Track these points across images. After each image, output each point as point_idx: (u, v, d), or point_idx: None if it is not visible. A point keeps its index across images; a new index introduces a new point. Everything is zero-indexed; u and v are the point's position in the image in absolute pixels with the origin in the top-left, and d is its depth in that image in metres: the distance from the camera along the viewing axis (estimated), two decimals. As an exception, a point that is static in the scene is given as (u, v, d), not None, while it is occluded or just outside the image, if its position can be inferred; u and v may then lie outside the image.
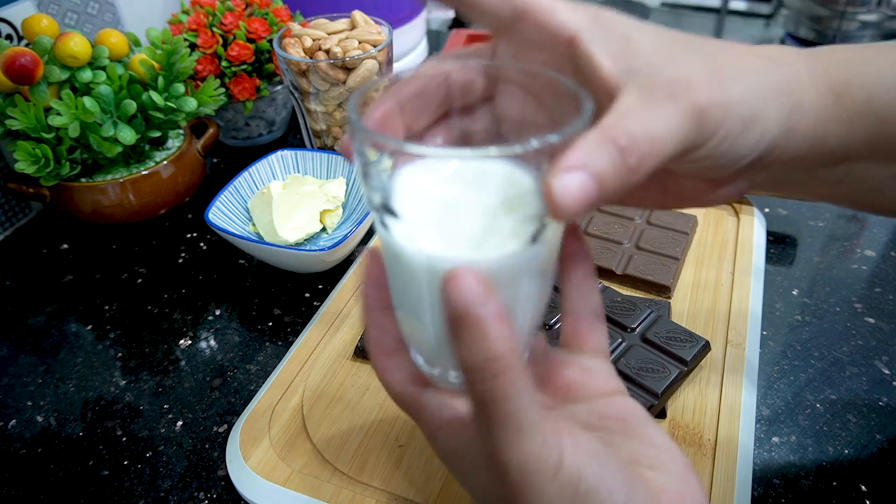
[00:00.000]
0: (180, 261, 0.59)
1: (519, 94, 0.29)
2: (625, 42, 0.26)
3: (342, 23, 0.64)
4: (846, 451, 0.41)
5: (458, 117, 0.31)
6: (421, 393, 0.29)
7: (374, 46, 0.60)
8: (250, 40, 0.68)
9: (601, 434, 0.28)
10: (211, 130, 0.65)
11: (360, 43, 0.60)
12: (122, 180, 0.57)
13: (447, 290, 0.22)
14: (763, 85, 0.26)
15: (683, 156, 0.26)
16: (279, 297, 0.55)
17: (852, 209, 0.34)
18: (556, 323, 0.46)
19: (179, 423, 0.45)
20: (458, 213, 0.25)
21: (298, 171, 0.61)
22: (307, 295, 0.55)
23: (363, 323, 0.30)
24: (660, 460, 0.27)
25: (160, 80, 0.57)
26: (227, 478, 0.40)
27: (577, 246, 0.30)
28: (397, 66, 0.86)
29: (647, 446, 0.27)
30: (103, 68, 0.56)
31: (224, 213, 0.55)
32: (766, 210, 0.61)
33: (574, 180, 0.22)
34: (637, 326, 0.45)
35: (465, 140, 0.31)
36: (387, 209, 0.25)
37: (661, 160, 0.24)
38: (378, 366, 0.30)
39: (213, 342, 0.51)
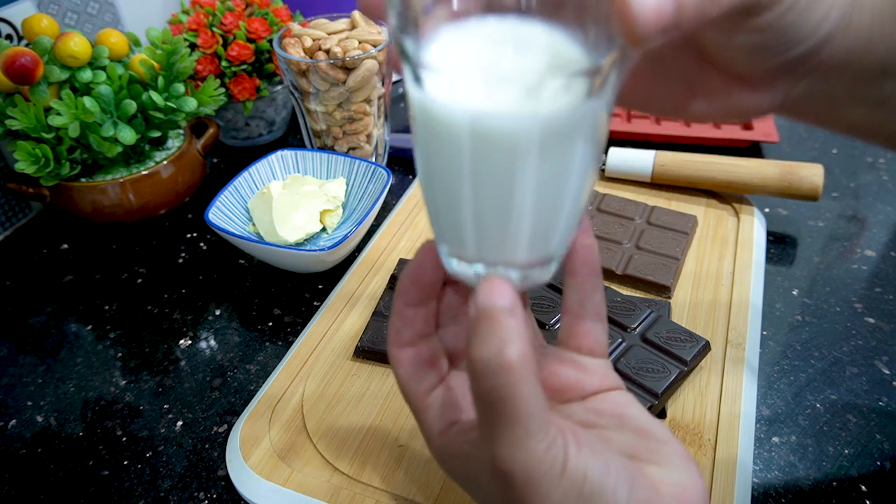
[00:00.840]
0: (180, 261, 0.59)
1: None
2: None
3: (342, 23, 0.64)
4: (846, 451, 0.41)
5: None
6: (428, 393, 0.29)
7: (374, 46, 0.60)
8: (250, 40, 0.68)
9: (599, 431, 0.27)
10: (211, 130, 0.65)
11: (360, 43, 0.60)
12: (122, 180, 0.57)
13: (478, 291, 0.23)
14: None
15: (747, 16, 0.24)
16: (279, 297, 0.55)
17: (883, 146, 0.32)
18: (555, 324, 0.46)
19: (179, 423, 0.45)
20: (504, 65, 0.22)
21: (298, 171, 0.61)
22: (307, 295, 0.55)
23: (392, 311, 0.29)
24: (659, 453, 0.27)
25: (160, 80, 0.57)
26: (227, 478, 0.40)
27: (585, 242, 0.29)
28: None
29: (645, 440, 0.27)
30: (103, 68, 0.56)
31: (224, 213, 0.55)
32: (766, 210, 0.61)
33: None
34: (637, 326, 0.45)
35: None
36: (422, 60, 0.22)
37: (733, 7, 0.22)
38: (392, 355, 0.29)
39: (213, 342, 0.51)
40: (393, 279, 0.52)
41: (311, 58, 0.60)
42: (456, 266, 0.27)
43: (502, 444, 0.23)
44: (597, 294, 0.29)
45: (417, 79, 0.22)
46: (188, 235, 0.62)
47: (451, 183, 0.24)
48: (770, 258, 0.56)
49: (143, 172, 0.58)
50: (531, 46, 0.22)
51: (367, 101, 0.62)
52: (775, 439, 0.42)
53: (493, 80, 0.22)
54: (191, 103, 0.58)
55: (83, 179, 0.58)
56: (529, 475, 0.23)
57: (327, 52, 0.60)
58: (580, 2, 0.21)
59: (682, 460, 0.27)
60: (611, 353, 0.43)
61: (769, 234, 0.58)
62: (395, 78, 0.86)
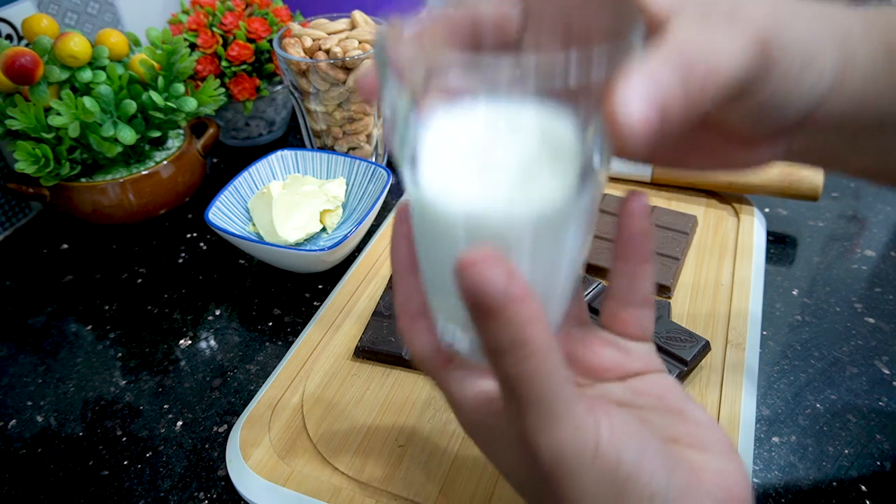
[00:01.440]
0: (180, 261, 0.59)
1: (556, 27, 0.26)
2: None
3: (342, 23, 0.64)
4: (846, 451, 0.41)
5: None
6: (447, 364, 0.27)
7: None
8: (250, 40, 0.67)
9: (637, 412, 0.26)
10: (211, 130, 0.65)
11: (360, 43, 0.60)
12: (122, 180, 0.57)
13: (461, 279, 0.20)
14: (821, 29, 0.24)
15: (741, 92, 0.23)
16: (279, 297, 0.55)
17: (894, 186, 0.32)
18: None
19: (179, 423, 0.45)
20: (495, 164, 0.22)
21: (298, 171, 0.61)
22: (307, 295, 0.55)
23: (394, 283, 0.28)
24: (701, 438, 0.25)
25: (160, 80, 0.57)
26: (227, 478, 0.40)
27: (637, 227, 0.27)
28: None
29: (686, 423, 0.26)
30: (103, 68, 0.56)
31: (224, 213, 0.55)
32: (766, 210, 0.61)
33: (638, 105, 0.19)
34: (637, 326, 0.45)
35: None
36: (416, 161, 0.23)
37: (724, 89, 0.22)
38: (404, 328, 0.28)
39: (213, 342, 0.51)
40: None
41: (311, 58, 0.60)
42: (450, 338, 0.27)
43: (528, 423, 0.22)
44: (647, 281, 0.28)
45: (413, 178, 0.23)
46: (188, 235, 0.62)
47: (445, 270, 0.24)
48: (770, 258, 0.56)
49: (143, 172, 0.58)
50: (524, 137, 0.22)
51: (367, 100, 0.62)
52: (775, 439, 0.42)
53: (483, 187, 0.22)
54: (191, 103, 0.58)
55: (83, 179, 0.58)
56: (559, 457, 0.22)
57: (327, 52, 0.60)
58: (576, 88, 0.20)
59: (726, 447, 0.25)
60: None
61: (769, 234, 0.58)
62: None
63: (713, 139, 0.28)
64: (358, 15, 0.64)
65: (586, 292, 0.49)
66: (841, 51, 0.25)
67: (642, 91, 0.19)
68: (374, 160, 0.66)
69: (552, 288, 0.26)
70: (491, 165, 0.22)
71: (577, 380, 0.28)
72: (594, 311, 0.46)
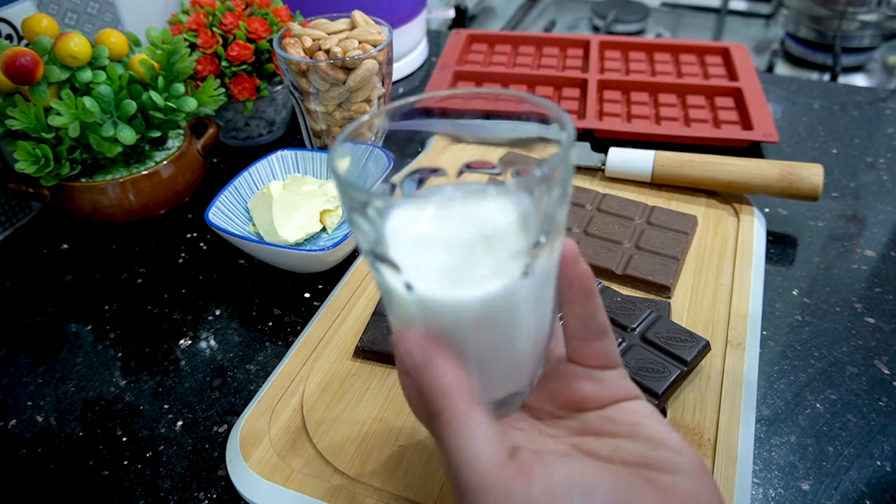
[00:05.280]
0: (180, 261, 0.59)
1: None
2: None
3: (342, 23, 0.64)
4: (846, 451, 0.41)
5: None
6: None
7: (374, 46, 0.60)
8: (250, 40, 0.67)
9: (610, 440, 0.27)
10: (211, 130, 0.65)
11: (360, 43, 0.60)
12: (122, 180, 0.57)
13: (397, 352, 0.26)
14: None
15: None
16: (279, 297, 0.55)
17: None
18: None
19: (179, 423, 0.45)
20: (445, 252, 0.25)
21: (298, 171, 0.61)
22: (307, 295, 0.55)
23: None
24: (673, 462, 0.26)
25: (160, 80, 0.57)
26: (227, 478, 0.40)
27: (574, 272, 0.29)
28: (398, 66, 0.86)
29: (658, 449, 0.27)
30: (103, 68, 0.56)
31: (224, 213, 0.55)
32: (766, 210, 0.61)
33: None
34: (637, 326, 0.45)
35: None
36: (375, 254, 0.26)
37: None
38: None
39: (213, 342, 0.51)
40: None
41: (311, 58, 0.60)
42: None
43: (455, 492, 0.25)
44: (597, 315, 0.29)
45: (374, 266, 0.26)
46: (188, 235, 0.62)
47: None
48: (770, 258, 0.56)
49: (143, 172, 0.58)
50: (471, 228, 0.25)
51: (367, 101, 0.62)
52: (775, 439, 0.42)
53: (435, 275, 0.25)
54: (191, 103, 0.58)
55: (83, 179, 0.58)
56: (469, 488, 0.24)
57: (327, 52, 0.60)
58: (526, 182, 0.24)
59: (697, 470, 0.26)
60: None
61: (769, 234, 0.58)
62: (395, 78, 0.86)
63: None
64: (358, 15, 0.64)
65: None
66: None
67: None
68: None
69: (513, 356, 0.28)
70: (440, 256, 0.25)
71: (558, 412, 0.30)
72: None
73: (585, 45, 0.87)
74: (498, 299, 0.25)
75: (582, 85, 0.79)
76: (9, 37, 0.60)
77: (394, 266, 0.25)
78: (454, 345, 0.26)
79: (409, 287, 0.25)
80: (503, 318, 0.26)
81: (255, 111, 0.72)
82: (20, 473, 0.42)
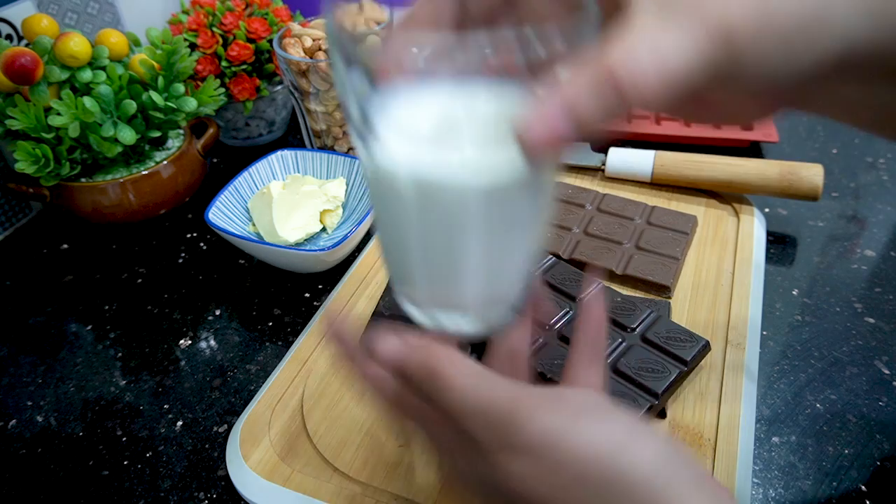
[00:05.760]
0: (180, 261, 0.59)
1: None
2: None
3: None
4: (846, 451, 0.41)
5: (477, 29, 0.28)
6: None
7: (379, 24, 0.59)
8: (250, 40, 0.67)
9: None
10: (211, 130, 0.65)
11: (364, 20, 0.60)
12: (122, 180, 0.57)
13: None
14: None
15: (710, 82, 0.22)
16: (279, 297, 0.55)
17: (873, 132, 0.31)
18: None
19: (179, 423, 0.45)
20: (447, 131, 0.23)
21: (298, 171, 0.61)
22: (307, 295, 0.55)
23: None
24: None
25: (160, 80, 0.57)
26: (227, 478, 0.40)
27: (596, 315, 0.30)
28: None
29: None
30: (103, 68, 0.56)
31: (224, 213, 0.55)
32: (766, 210, 0.61)
33: (547, 122, 0.20)
34: (637, 326, 0.45)
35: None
36: (368, 126, 0.23)
37: (675, 92, 0.21)
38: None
39: (213, 342, 0.51)
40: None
41: (311, 58, 0.60)
42: (410, 309, 0.28)
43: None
44: (599, 345, 0.31)
45: (364, 143, 0.23)
46: (188, 235, 0.62)
47: (400, 234, 0.25)
48: (770, 258, 0.56)
49: (143, 172, 0.58)
50: (478, 113, 0.23)
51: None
52: (775, 439, 0.42)
53: (434, 153, 0.22)
54: (191, 103, 0.58)
55: (83, 179, 0.58)
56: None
57: (327, 52, 0.60)
58: (532, 64, 0.21)
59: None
60: (611, 353, 0.43)
61: (769, 234, 0.58)
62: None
63: (719, 97, 0.27)
64: (366, 1, 0.63)
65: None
66: (862, 4, 0.22)
67: (550, 117, 0.20)
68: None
69: (505, 263, 0.26)
70: (444, 138, 0.23)
71: None
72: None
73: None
74: (500, 190, 0.23)
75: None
76: (9, 37, 0.60)
77: (386, 142, 0.23)
78: (446, 241, 0.24)
79: (399, 169, 0.23)
80: (499, 214, 0.24)
81: (255, 111, 0.72)
82: (20, 473, 0.42)
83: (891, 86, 0.26)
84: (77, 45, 0.54)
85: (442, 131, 0.23)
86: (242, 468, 0.39)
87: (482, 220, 0.23)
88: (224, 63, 0.67)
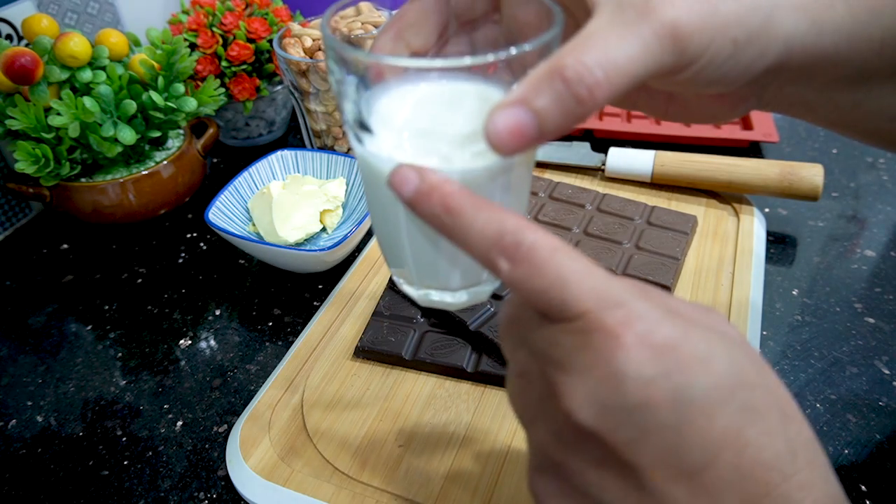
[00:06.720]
0: (180, 261, 0.59)
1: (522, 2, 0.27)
2: None
3: (348, 12, 0.64)
4: (846, 451, 0.41)
5: (462, 34, 0.30)
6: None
7: (376, 27, 0.59)
8: (250, 40, 0.68)
9: None
10: (211, 130, 0.65)
11: (361, 24, 0.60)
12: (122, 180, 0.57)
13: (392, 187, 0.23)
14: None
15: (660, 79, 0.24)
16: (279, 297, 0.55)
17: (863, 142, 0.32)
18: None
19: (179, 423, 0.45)
20: (430, 127, 0.25)
21: (298, 171, 0.61)
22: (307, 295, 0.55)
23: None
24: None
25: (160, 80, 0.57)
26: (227, 478, 0.40)
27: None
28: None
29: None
30: (103, 68, 0.56)
31: (224, 213, 0.55)
32: (766, 210, 0.61)
33: (508, 118, 0.21)
34: (637, 326, 0.45)
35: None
36: (361, 124, 0.25)
37: (623, 88, 0.22)
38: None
39: (213, 342, 0.51)
40: (393, 279, 0.52)
41: (311, 58, 0.60)
42: (403, 286, 0.31)
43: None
44: None
45: (358, 138, 0.26)
46: (188, 235, 0.62)
47: (390, 223, 0.28)
48: (770, 258, 0.56)
49: (143, 172, 0.58)
50: (458, 107, 0.25)
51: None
52: (775, 439, 0.42)
53: (417, 147, 0.25)
54: (191, 103, 0.58)
55: (83, 179, 0.58)
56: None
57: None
58: (512, 64, 0.23)
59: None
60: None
61: (769, 234, 0.58)
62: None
63: (684, 95, 0.29)
64: (364, 5, 0.63)
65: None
66: (805, 13, 0.25)
67: (510, 113, 0.22)
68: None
69: None
70: (424, 130, 0.25)
71: None
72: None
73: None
74: (478, 176, 0.24)
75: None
76: (9, 37, 0.60)
77: (376, 138, 0.25)
78: (429, 229, 0.26)
79: (387, 162, 0.24)
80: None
81: (255, 111, 0.72)
82: (20, 473, 0.42)
83: (842, 90, 0.28)
84: (77, 45, 0.54)
85: (425, 128, 0.25)
86: (242, 468, 0.39)
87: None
88: (224, 63, 0.67)
